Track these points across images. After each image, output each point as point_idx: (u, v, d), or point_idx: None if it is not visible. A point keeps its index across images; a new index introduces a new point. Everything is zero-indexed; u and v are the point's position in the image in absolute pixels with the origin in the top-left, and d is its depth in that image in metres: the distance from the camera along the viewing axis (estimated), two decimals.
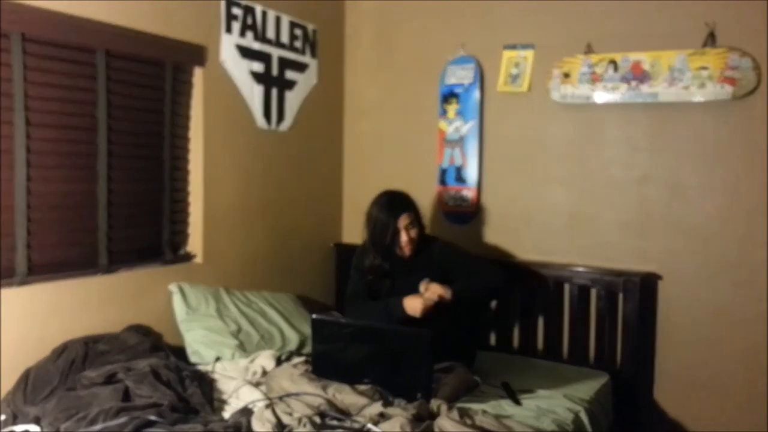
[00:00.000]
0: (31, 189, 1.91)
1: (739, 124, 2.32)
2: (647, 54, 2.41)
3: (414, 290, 2.14)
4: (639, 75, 2.43)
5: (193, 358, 2.15)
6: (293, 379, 1.83)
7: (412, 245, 2.18)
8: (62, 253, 2.02)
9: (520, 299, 2.67)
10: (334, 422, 1.63)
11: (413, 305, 2.06)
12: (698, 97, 2.33)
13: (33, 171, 1.92)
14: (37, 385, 1.78)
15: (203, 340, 2.17)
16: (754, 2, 2.26)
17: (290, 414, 1.64)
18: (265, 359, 2.10)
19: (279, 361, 2.11)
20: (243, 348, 2.20)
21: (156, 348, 2.03)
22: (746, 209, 2.33)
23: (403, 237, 2.16)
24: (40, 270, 1.95)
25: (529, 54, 2.67)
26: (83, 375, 1.79)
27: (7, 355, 1.83)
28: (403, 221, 2.15)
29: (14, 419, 1.69)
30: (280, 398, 1.74)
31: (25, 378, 1.80)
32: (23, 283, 1.89)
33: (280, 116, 2.77)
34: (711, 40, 2.31)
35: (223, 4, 2.45)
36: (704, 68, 2.31)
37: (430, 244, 2.27)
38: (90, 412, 1.59)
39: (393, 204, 2.18)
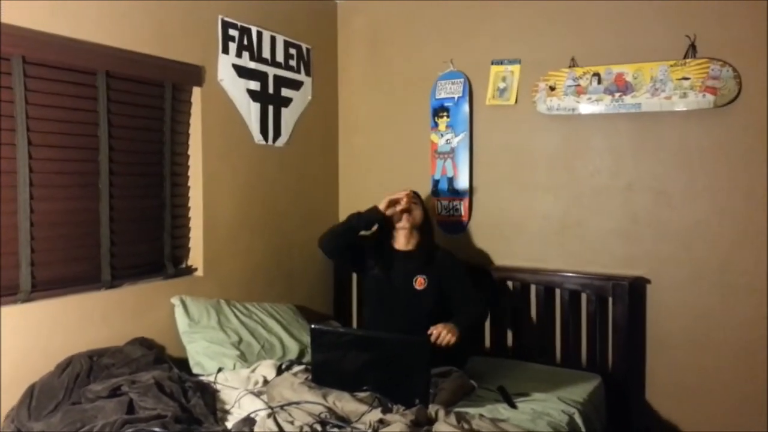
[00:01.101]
0: (34, 207, 1.93)
1: (722, 131, 2.37)
2: (630, 66, 2.47)
3: (407, 276, 2.28)
4: (622, 86, 2.49)
5: (195, 370, 2.18)
6: (294, 387, 1.85)
7: (410, 224, 2.33)
8: (66, 269, 2.04)
9: (513, 305, 2.72)
10: (335, 430, 1.66)
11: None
12: (680, 106, 2.39)
13: (36, 190, 1.94)
14: (41, 400, 1.78)
15: (205, 351, 2.20)
16: (735, 14, 2.32)
17: (292, 422, 1.67)
18: (266, 369, 2.13)
19: (280, 371, 2.13)
20: (244, 358, 2.22)
21: (159, 360, 2.04)
22: (729, 214, 2.38)
23: (404, 203, 2.29)
24: (44, 286, 1.96)
25: (515, 68, 2.74)
26: (88, 388, 1.79)
27: (11, 370, 1.84)
28: (404, 192, 2.32)
29: None
30: (282, 407, 1.76)
31: (30, 393, 1.80)
32: (27, 299, 1.91)
33: (277, 132, 2.83)
34: (692, 51, 2.37)
35: (219, 26, 2.50)
36: (686, 78, 2.37)
37: (434, 247, 2.41)
38: (95, 425, 1.60)
39: None
